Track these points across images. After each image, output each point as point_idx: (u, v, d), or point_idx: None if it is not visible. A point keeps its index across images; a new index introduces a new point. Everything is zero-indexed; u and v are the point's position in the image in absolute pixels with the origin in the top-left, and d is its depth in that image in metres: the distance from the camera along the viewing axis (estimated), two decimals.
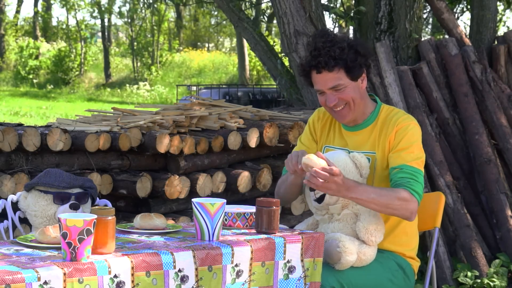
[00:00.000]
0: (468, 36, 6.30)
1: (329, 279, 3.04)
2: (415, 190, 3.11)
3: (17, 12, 37.07)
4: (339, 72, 3.17)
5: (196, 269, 2.63)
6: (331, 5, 9.73)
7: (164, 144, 4.59)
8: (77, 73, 32.15)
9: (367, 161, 3.20)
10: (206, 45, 41.58)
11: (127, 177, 4.61)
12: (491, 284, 5.25)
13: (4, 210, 3.40)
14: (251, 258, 2.77)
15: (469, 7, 8.36)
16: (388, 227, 3.23)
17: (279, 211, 2.98)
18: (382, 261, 3.22)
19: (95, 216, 2.48)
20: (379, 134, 3.26)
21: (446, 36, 6.36)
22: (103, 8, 33.76)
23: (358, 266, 3.14)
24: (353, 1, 7.13)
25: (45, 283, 2.30)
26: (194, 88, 17.23)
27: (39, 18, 37.22)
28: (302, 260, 2.90)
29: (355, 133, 3.32)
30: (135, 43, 33.13)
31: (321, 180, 2.93)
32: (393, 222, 3.25)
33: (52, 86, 30.59)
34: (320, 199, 3.17)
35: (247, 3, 8.37)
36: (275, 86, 13.10)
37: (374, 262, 3.18)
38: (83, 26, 34.38)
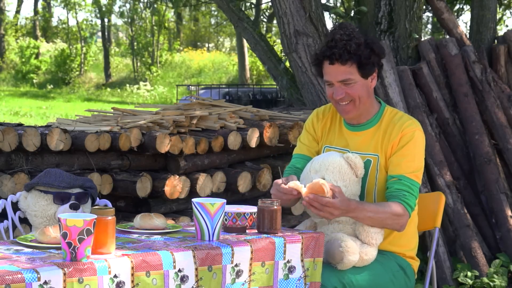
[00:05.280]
0: (468, 36, 6.31)
1: (331, 279, 3.04)
2: (409, 204, 3.14)
3: (17, 12, 37.07)
4: (351, 67, 3.16)
5: (196, 269, 2.63)
6: (331, 5, 9.73)
7: (164, 144, 4.59)
8: (77, 73, 32.17)
9: (361, 161, 3.19)
10: (206, 45, 41.58)
11: (127, 177, 4.61)
12: (491, 284, 5.25)
13: (4, 210, 3.40)
14: (251, 258, 2.77)
15: (468, 6, 8.36)
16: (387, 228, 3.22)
17: (281, 211, 2.98)
18: (383, 262, 3.22)
19: (95, 216, 2.48)
20: (383, 137, 3.25)
21: (446, 36, 6.36)
22: (103, 8, 33.76)
23: (360, 266, 3.14)
24: (353, 1, 7.13)
25: (45, 283, 2.30)
26: (194, 88, 17.22)
27: (39, 18, 37.22)
28: (302, 260, 2.90)
29: (357, 133, 3.31)
30: (135, 43, 33.14)
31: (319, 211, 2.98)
32: None
33: (52, 86, 30.61)
34: None
35: (247, 4, 8.37)
36: (275, 86, 13.10)
37: (375, 262, 3.18)
38: (83, 26, 34.39)
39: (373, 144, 3.26)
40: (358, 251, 3.09)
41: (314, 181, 2.98)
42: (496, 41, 6.33)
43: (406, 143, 3.20)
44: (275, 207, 2.94)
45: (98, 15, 34.80)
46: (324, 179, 3.14)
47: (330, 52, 3.16)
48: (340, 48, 3.14)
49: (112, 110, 5.40)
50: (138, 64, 33.01)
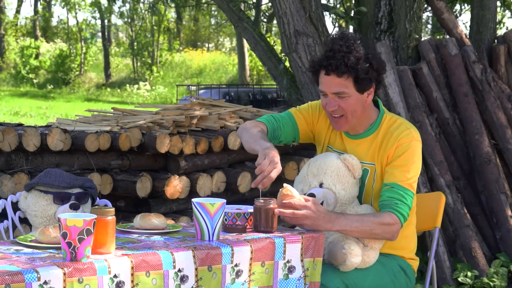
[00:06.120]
0: (468, 36, 6.30)
1: (334, 280, 3.04)
2: (401, 213, 3.08)
3: (17, 12, 37.07)
4: (347, 80, 3.11)
5: (196, 269, 2.63)
6: (331, 5, 9.73)
7: (164, 144, 4.59)
8: (77, 73, 32.17)
9: (358, 162, 3.17)
10: (206, 45, 41.59)
11: (127, 177, 4.62)
12: (491, 284, 5.25)
13: (4, 210, 3.40)
14: (251, 258, 2.77)
15: (467, 6, 8.36)
16: None
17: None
18: (384, 263, 3.22)
19: (95, 216, 2.48)
20: (379, 146, 3.22)
21: (446, 36, 6.36)
22: (103, 9, 33.76)
23: (361, 268, 3.14)
24: (353, 1, 7.13)
25: (45, 283, 2.30)
26: (194, 88, 17.22)
27: (39, 18, 37.23)
28: (302, 260, 2.90)
29: (355, 141, 3.28)
30: (135, 43, 33.14)
31: (288, 216, 2.94)
32: None
33: (52, 86, 30.61)
34: None
35: (247, 4, 8.36)
36: (275, 86, 13.10)
37: (376, 263, 3.18)
38: (83, 26, 34.40)
39: (370, 153, 3.23)
40: (361, 254, 3.09)
41: (280, 192, 2.98)
42: (496, 41, 6.33)
43: (401, 153, 3.15)
44: (271, 206, 2.94)
45: (98, 16, 34.80)
46: (322, 183, 3.14)
47: (327, 62, 3.10)
48: (338, 60, 3.07)
49: (112, 110, 5.40)
50: (138, 64, 33.01)
